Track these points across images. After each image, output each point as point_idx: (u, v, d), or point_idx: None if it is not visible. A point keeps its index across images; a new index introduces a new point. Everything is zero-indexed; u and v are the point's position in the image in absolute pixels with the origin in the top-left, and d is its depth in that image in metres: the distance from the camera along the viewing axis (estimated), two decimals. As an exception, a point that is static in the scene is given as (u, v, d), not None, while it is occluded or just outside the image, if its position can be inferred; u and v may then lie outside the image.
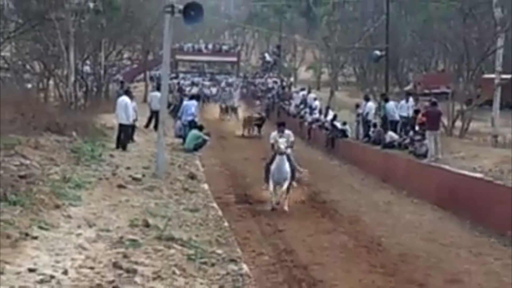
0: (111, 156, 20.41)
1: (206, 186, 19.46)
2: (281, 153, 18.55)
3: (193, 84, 53.55)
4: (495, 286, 13.21)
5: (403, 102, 28.71)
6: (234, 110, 46.95)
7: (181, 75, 53.19)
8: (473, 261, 15.00)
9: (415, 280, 13.21)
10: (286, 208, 18.47)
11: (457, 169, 21.14)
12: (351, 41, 44.54)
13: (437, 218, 18.73)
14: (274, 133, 19.48)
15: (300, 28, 51.41)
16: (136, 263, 9.67)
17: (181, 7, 17.25)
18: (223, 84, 56.85)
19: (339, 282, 12.96)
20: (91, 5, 34.02)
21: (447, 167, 21.89)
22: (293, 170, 18.99)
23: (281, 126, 20.14)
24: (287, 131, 19.71)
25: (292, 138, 19.65)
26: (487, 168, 20.79)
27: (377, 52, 35.54)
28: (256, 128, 38.96)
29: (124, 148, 21.76)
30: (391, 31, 35.48)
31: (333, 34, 46.06)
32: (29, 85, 32.85)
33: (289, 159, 19.24)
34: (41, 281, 8.05)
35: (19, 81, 32.68)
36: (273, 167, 18.71)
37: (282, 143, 18.56)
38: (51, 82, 34.48)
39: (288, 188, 19.39)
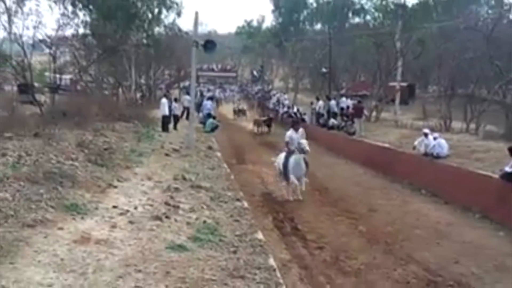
0: (159, 136, 20.81)
1: (219, 154, 19.79)
2: (304, 152, 14.19)
3: (209, 90, 53.62)
4: (397, 212, 13.36)
5: (342, 99, 28.67)
6: (244, 112, 42.95)
7: (201, 85, 52.93)
8: (384, 198, 15.52)
9: (349, 210, 13.50)
10: (301, 197, 14.21)
11: (374, 142, 21.25)
12: (307, 63, 44.30)
13: (362, 172, 19.07)
14: (290, 132, 15.03)
15: (275, 55, 51.12)
16: (178, 202, 10.02)
17: (202, 42, 17.09)
18: (228, 90, 56.67)
19: (301, 212, 13.16)
20: (145, 41, 33.49)
21: (367, 140, 22.40)
22: (307, 164, 14.57)
23: (295, 125, 15.56)
24: (301, 129, 15.18)
25: (304, 134, 15.07)
26: (392, 141, 20.69)
27: (324, 69, 35.69)
28: (266, 127, 33.48)
29: (167, 130, 21.66)
30: (333, 56, 35.45)
31: (296, 58, 45.71)
32: (106, 92, 32.79)
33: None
34: (121, 214, 8.56)
35: (99, 89, 32.64)
36: (291, 164, 14.21)
37: (306, 144, 14.28)
38: (120, 90, 34.26)
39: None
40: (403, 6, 29.89)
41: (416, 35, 29.28)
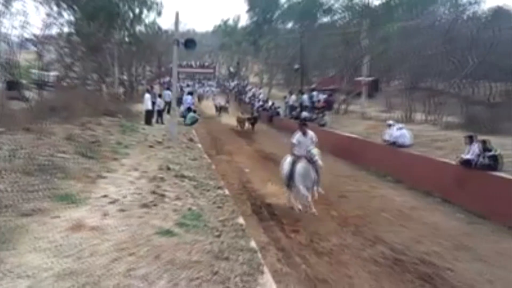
0: (143, 129, 20.55)
1: (199, 145, 19.71)
2: (314, 162, 11.46)
3: (188, 85, 53.17)
4: (364, 198, 13.64)
5: (313, 93, 28.82)
6: (225, 109, 40.71)
7: (181, 80, 52.51)
8: (353, 184, 15.75)
9: (321, 196, 13.12)
10: (314, 210, 11.63)
11: (343, 133, 21.40)
12: (280, 59, 44.38)
13: (332, 161, 18.93)
14: (298, 135, 12.09)
15: (250, 52, 51.03)
16: (164, 190, 10.02)
17: (183, 41, 17.03)
18: (206, 86, 56.37)
19: (276, 198, 13.26)
20: (127, 40, 33.24)
21: (337, 131, 22.37)
22: (317, 172, 11.81)
23: (303, 126, 12.38)
24: (310, 132, 12.25)
25: (315, 139, 12.19)
26: (360, 131, 20.91)
27: (296, 66, 35.67)
28: (250, 126, 30.36)
29: (150, 124, 21.63)
30: (304, 53, 35.43)
31: (269, 55, 45.72)
32: (90, 88, 32.36)
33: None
34: (111, 202, 8.58)
35: (84, 85, 32.21)
36: (299, 172, 11.64)
37: (317, 154, 11.59)
38: (103, 86, 33.92)
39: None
40: (368, 6, 30.17)
41: (381, 34, 29.57)
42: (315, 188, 11.72)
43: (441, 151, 15.54)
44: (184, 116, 27.47)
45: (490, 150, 12.24)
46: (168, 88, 32.93)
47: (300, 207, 11.83)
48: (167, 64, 51.82)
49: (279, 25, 47.96)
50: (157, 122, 24.53)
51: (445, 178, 13.46)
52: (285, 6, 46.88)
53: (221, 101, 43.85)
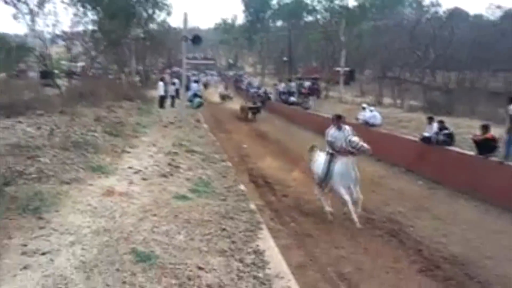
0: (157, 111, 20.30)
1: (205, 125, 19.47)
2: (359, 150, 8.49)
3: (193, 74, 52.70)
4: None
5: (299, 81, 28.94)
6: (230, 97, 36.94)
7: (187, 71, 51.93)
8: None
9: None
10: (358, 224, 8.54)
11: (324, 114, 21.24)
12: (272, 53, 44.16)
13: (314, 138, 18.80)
14: (332, 131, 9.07)
15: (246, 46, 50.71)
16: (178, 163, 10.05)
17: (190, 37, 16.94)
18: (209, 75, 55.89)
19: (270, 169, 13.42)
20: (142, 36, 33.05)
21: (320, 113, 22.21)
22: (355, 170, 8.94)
23: (338, 120, 9.13)
24: (346, 126, 9.04)
25: (351, 131, 8.94)
26: (338, 113, 20.84)
27: (285, 58, 35.58)
28: (252, 115, 26.80)
29: (163, 107, 21.61)
30: (291, 47, 35.36)
31: (262, 49, 45.48)
32: (111, 77, 32.29)
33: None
34: (135, 173, 8.64)
35: (106, 74, 32.25)
36: (338, 170, 8.78)
37: (358, 140, 8.58)
38: (122, 75, 33.77)
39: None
40: (346, 7, 30.11)
41: (356, 31, 29.61)
42: (357, 188, 8.88)
43: (406, 129, 15.72)
44: (191, 101, 27.39)
45: (446, 129, 12.44)
46: (176, 77, 32.99)
47: (331, 210, 9.17)
48: (175, 57, 51.69)
49: (271, 23, 47.72)
50: (171, 106, 24.52)
51: (408, 152, 13.66)
52: (276, 7, 46.68)
53: (224, 90, 40.49)
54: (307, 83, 29.33)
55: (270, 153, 15.93)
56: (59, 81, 24.75)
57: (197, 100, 27.03)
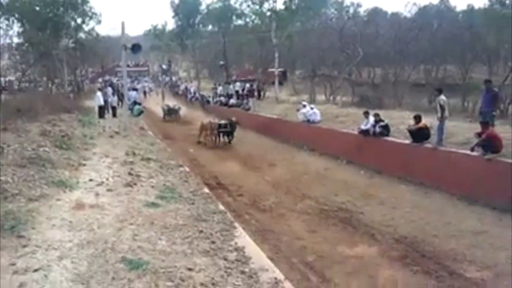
0: (98, 122, 19.48)
1: (150, 132, 19.23)
2: None
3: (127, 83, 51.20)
4: (289, 164, 14.18)
5: (236, 83, 29.21)
6: (175, 112, 28.39)
7: (120, 79, 50.30)
8: (279, 155, 16.65)
9: (256, 166, 14.39)
10: None
11: (265, 114, 21.92)
12: (205, 57, 44.20)
13: (258, 137, 19.61)
14: None
15: (178, 51, 50.06)
16: (138, 171, 9.99)
17: (129, 46, 16.70)
18: (142, 82, 54.52)
19: (221, 170, 13.66)
20: (72, 45, 31.90)
21: (260, 113, 22.96)
22: None
23: None
24: None
25: None
26: (278, 112, 21.52)
27: (221, 62, 35.73)
28: (224, 137, 19.03)
29: (103, 117, 20.93)
30: (227, 52, 35.61)
31: (196, 53, 45.25)
32: (41, 89, 30.91)
33: None
34: (98, 185, 8.51)
35: (35, 87, 30.81)
36: None
37: None
38: (53, 87, 32.45)
39: None
40: (275, 11, 30.76)
41: (286, 33, 30.30)
42: None
43: (343, 124, 16.47)
44: (131, 109, 26.80)
45: (382, 121, 13.29)
46: (110, 85, 32.18)
47: None
48: (107, 65, 50.29)
49: (201, 28, 47.49)
50: (113, 116, 23.73)
51: (348, 145, 14.41)
52: (205, 11, 46.56)
53: (167, 104, 30.53)
54: (246, 85, 29.68)
55: (219, 156, 16.14)
56: (-11, 98, 23.40)
57: (136, 107, 26.45)
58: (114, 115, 23.46)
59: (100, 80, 47.17)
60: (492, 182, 9.26)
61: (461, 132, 11.86)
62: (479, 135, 10.03)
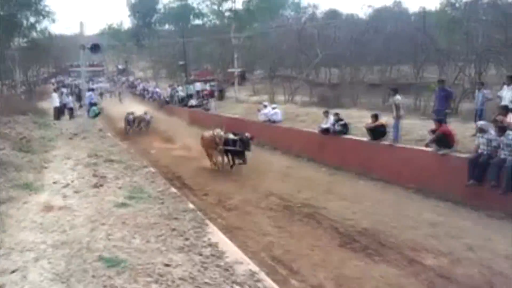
0: (54, 124, 19.11)
1: (109, 134, 18.82)
2: None
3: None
4: (253, 163, 13.78)
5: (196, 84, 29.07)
6: (144, 121, 21.93)
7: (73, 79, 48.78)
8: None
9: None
10: None
11: (226, 115, 21.94)
12: (163, 57, 43.69)
13: None
14: None
15: (135, 51, 49.21)
16: (103, 173, 10.01)
17: (88, 46, 16.41)
18: (97, 82, 52.96)
19: (183, 170, 13.61)
20: (25, 45, 30.88)
21: (221, 114, 22.81)
22: None
23: None
24: None
25: None
26: (239, 112, 21.64)
27: (181, 62, 35.35)
28: (232, 160, 13.90)
29: (59, 119, 20.47)
30: (186, 52, 35.30)
31: (153, 53, 44.70)
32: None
33: None
34: (64, 187, 8.62)
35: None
36: None
37: None
38: (4, 88, 31.25)
39: None
40: (234, 11, 30.99)
41: (245, 33, 30.63)
42: None
43: (304, 123, 16.87)
44: (88, 111, 26.26)
45: (341, 120, 13.78)
46: (63, 86, 31.42)
47: None
48: (60, 65, 48.57)
49: (158, 27, 47.03)
50: (70, 117, 23.23)
51: (309, 143, 14.80)
52: (162, 11, 46.15)
53: (131, 112, 22.57)
54: (207, 85, 29.69)
55: (181, 157, 16.09)
56: None
57: (93, 108, 25.86)
58: (71, 116, 22.96)
59: (53, 80, 45.66)
60: (446, 176, 9.88)
61: (416, 129, 12.53)
62: (433, 132, 10.70)
